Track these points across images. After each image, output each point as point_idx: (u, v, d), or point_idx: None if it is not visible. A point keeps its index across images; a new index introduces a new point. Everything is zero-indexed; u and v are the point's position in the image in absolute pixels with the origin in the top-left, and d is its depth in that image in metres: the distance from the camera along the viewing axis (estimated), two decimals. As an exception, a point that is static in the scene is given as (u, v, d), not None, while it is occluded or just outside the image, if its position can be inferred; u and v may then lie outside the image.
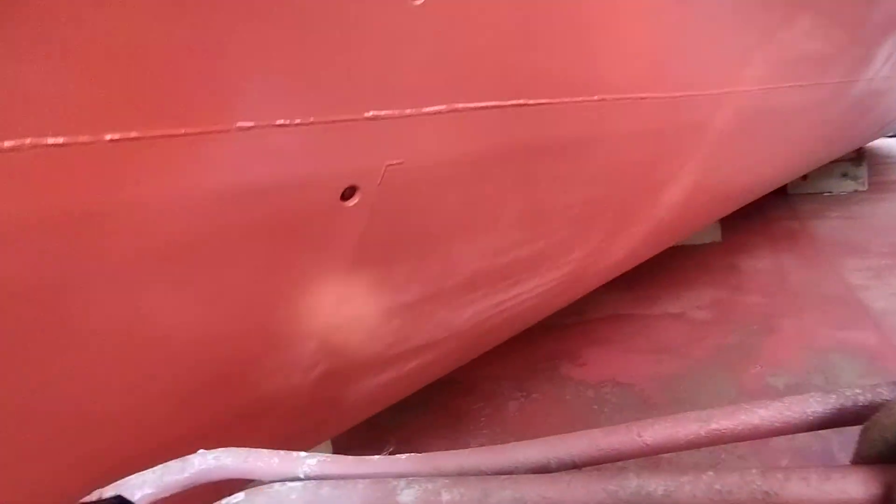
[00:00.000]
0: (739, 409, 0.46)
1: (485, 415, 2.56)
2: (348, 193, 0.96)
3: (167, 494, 0.58)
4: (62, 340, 0.75)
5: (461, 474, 0.50)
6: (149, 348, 0.86)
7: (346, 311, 1.15)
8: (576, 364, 2.84)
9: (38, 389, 0.76)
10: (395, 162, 0.99)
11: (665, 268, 3.88)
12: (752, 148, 2.66)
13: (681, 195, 2.22)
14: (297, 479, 0.56)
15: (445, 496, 0.43)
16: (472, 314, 1.59)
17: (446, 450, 2.15)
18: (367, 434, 2.61)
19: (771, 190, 4.13)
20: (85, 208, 0.69)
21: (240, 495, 0.53)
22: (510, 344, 3.26)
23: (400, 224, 1.12)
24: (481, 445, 2.48)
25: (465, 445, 2.44)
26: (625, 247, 2.21)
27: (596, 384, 2.62)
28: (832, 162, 5.06)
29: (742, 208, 4.33)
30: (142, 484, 0.57)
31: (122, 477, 0.93)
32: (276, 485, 0.53)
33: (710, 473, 0.38)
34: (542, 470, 0.48)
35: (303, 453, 0.61)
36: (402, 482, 0.46)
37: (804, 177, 5.43)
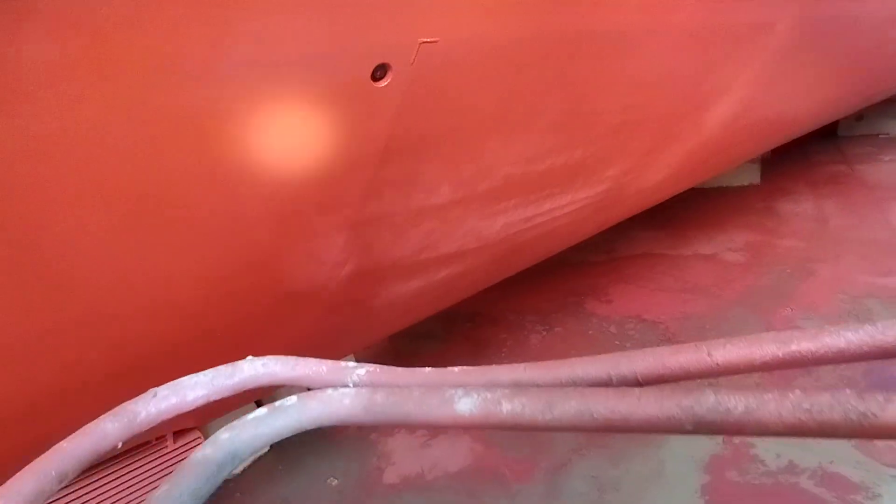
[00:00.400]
0: (824, 331, 0.43)
1: (507, 346, 2.62)
2: (380, 73, 0.90)
3: (218, 397, 0.59)
4: (77, 208, 0.75)
5: (516, 387, 0.49)
6: (175, 224, 0.85)
7: (375, 205, 1.12)
8: (601, 300, 2.84)
9: (65, 268, 0.77)
10: (429, 40, 0.92)
11: (699, 209, 3.76)
12: (809, 67, 2.44)
13: (727, 114, 2.07)
14: (345, 386, 0.56)
15: (506, 406, 0.42)
16: (503, 226, 1.55)
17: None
18: (391, 362, 2.70)
19: (822, 125, 3.83)
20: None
21: (292, 398, 0.53)
22: (536, 279, 3.27)
23: (433, 114, 1.06)
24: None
25: (487, 373, 2.52)
26: (663, 169, 2.10)
27: (620, 320, 2.63)
28: (890, 100, 4.67)
29: (785, 150, 4.08)
30: (194, 385, 0.59)
31: (157, 361, 0.97)
32: (329, 390, 0.53)
33: (798, 392, 0.36)
34: (603, 386, 0.47)
35: (351, 363, 0.61)
36: (460, 391, 0.45)
37: (859, 117, 5.04)
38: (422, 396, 0.46)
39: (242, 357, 1.21)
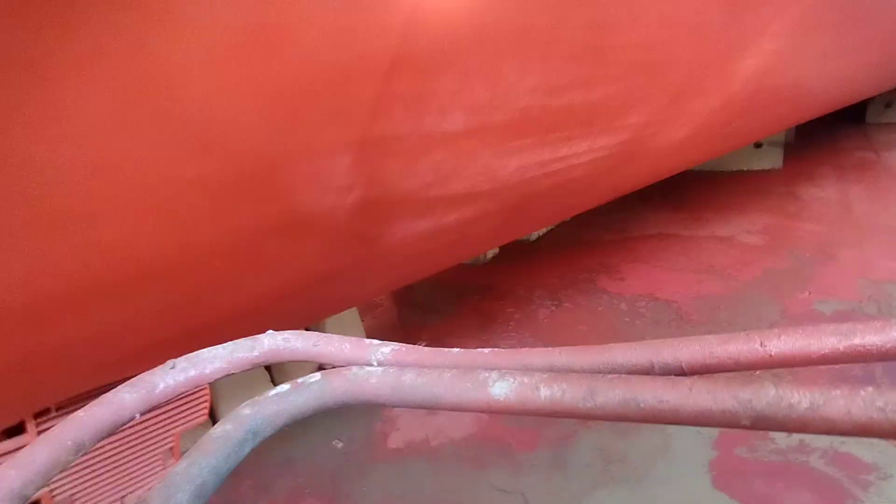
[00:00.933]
0: (892, 323, 0.40)
1: (515, 319, 2.61)
2: None
3: (237, 371, 0.59)
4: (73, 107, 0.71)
5: (552, 372, 0.46)
6: (172, 114, 0.81)
7: (384, 124, 1.07)
8: (613, 278, 2.81)
9: (43, 155, 0.73)
10: None
11: (717, 191, 3.68)
12: (846, 28, 2.30)
13: (755, 69, 1.97)
14: (371, 365, 0.54)
15: (544, 391, 0.40)
16: (518, 168, 1.49)
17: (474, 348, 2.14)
18: (399, 332, 2.72)
19: (852, 101, 3.67)
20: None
21: (316, 375, 0.52)
22: (547, 256, 3.24)
23: (447, 21, 1.01)
24: (508, 348, 2.56)
25: (494, 346, 2.52)
26: (686, 125, 2.01)
27: (632, 298, 2.60)
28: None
29: (810, 134, 3.94)
30: (213, 358, 0.57)
31: (150, 277, 0.94)
32: (354, 368, 0.51)
33: (871, 389, 0.33)
34: (645, 374, 0.45)
35: (375, 341, 0.59)
36: (495, 374, 0.43)
37: (887, 104, 4.85)
38: (453, 379, 0.44)
39: (241, 287, 1.17)
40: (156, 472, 1.24)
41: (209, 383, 1.43)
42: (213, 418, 1.98)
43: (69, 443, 0.42)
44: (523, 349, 0.50)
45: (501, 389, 0.42)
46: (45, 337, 0.91)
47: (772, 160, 4.02)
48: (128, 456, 1.20)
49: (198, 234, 0.97)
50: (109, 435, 0.46)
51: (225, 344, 0.57)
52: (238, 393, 1.98)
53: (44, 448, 0.41)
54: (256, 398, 0.48)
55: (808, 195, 3.45)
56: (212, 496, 0.39)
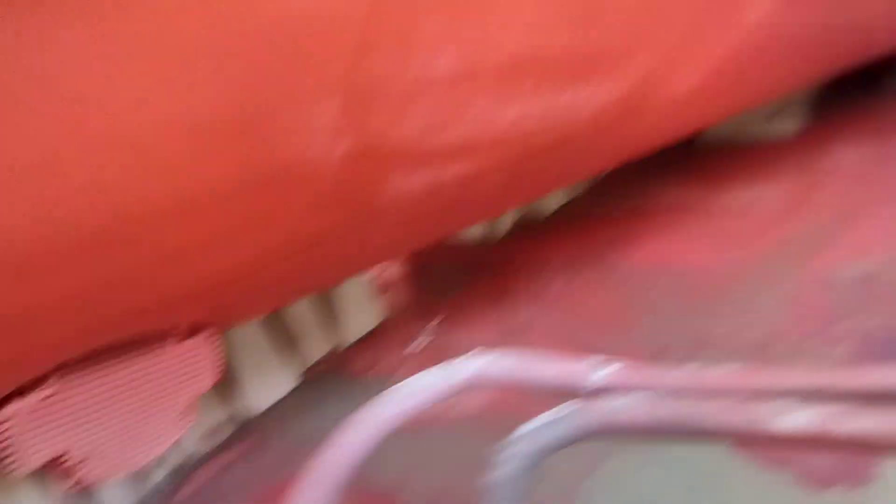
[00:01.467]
0: None
1: (527, 293, 2.61)
2: None
3: (449, 397, 0.58)
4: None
5: (814, 394, 0.43)
6: (156, 57, 0.78)
7: (370, 64, 1.04)
8: (626, 250, 2.79)
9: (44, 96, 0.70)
10: None
11: (732, 161, 3.62)
12: None
13: (766, 14, 1.90)
14: (585, 388, 0.52)
15: (852, 424, 0.36)
16: (517, 118, 1.44)
17: (489, 323, 2.15)
18: (414, 310, 2.73)
19: (875, 57, 3.49)
20: None
21: (566, 408, 0.49)
22: (559, 229, 3.21)
23: None
24: (523, 321, 2.56)
25: (508, 320, 2.52)
26: (693, 74, 1.94)
27: (645, 270, 2.59)
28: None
29: (829, 103, 3.82)
30: (426, 386, 0.58)
31: (134, 200, 0.92)
32: (607, 397, 0.47)
33: None
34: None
35: (589, 359, 0.56)
36: (783, 403, 0.39)
37: (912, 69, 4.66)
38: (728, 410, 0.40)
39: (230, 244, 1.14)
40: (170, 435, 1.25)
41: (221, 343, 1.41)
42: (227, 377, 1.98)
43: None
44: (768, 369, 0.47)
45: (794, 421, 0.38)
46: (19, 294, 0.85)
47: (790, 126, 3.92)
48: (141, 418, 1.20)
49: (183, 180, 0.93)
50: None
51: (432, 369, 0.56)
52: (255, 350, 1.96)
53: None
54: (510, 437, 0.47)
55: (828, 162, 3.37)
56: None
